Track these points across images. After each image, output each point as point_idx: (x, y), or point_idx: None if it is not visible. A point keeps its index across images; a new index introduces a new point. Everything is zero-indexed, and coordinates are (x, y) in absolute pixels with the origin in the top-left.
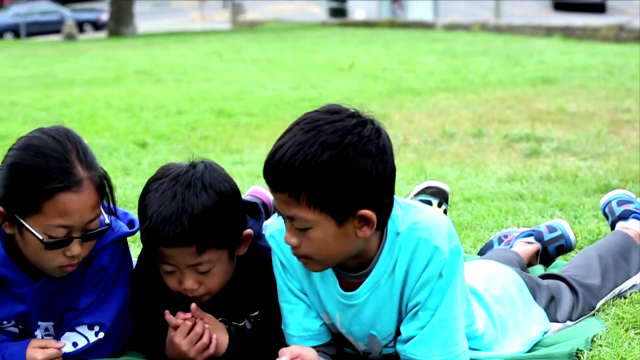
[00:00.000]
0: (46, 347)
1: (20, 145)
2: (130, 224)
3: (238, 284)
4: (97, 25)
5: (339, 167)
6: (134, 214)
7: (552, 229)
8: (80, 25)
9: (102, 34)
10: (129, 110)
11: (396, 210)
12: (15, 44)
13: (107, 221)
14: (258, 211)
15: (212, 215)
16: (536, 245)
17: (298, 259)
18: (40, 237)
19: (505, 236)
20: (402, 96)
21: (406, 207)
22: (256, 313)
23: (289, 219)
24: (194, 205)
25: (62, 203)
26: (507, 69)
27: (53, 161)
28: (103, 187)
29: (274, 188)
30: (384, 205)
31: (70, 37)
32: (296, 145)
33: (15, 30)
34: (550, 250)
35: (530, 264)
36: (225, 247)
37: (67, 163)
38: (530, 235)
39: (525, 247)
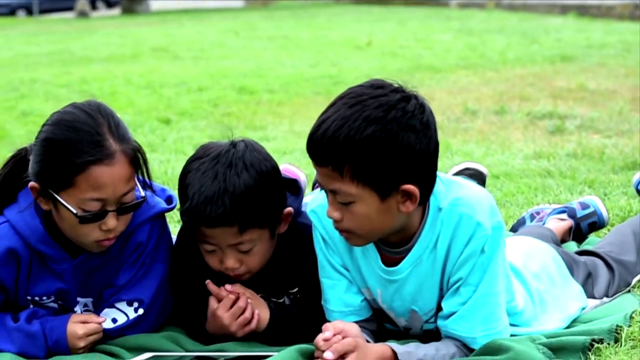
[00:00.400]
0: (87, 322)
1: (53, 121)
2: (168, 200)
3: (278, 261)
4: (109, 3)
5: (383, 141)
6: (172, 190)
7: (584, 206)
8: (93, 2)
9: (115, 11)
10: (149, 87)
11: (438, 186)
12: (28, 21)
13: (142, 194)
14: (298, 188)
15: (254, 194)
16: (569, 222)
17: (340, 233)
18: (75, 212)
19: (538, 213)
20: (422, 74)
21: (448, 182)
22: (295, 290)
23: (331, 193)
24: (236, 185)
25: (94, 176)
26: (524, 46)
27: (85, 135)
28: (136, 160)
29: (317, 162)
30: (427, 180)
31: (83, 14)
32: (340, 119)
33: (27, 7)
34: (583, 226)
35: (563, 240)
36: (266, 226)
37: (99, 136)
38: (563, 212)
39: (558, 224)
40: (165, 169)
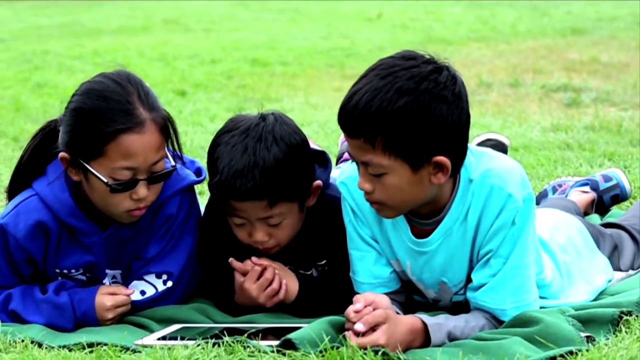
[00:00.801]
0: (115, 294)
1: (83, 90)
2: (198, 172)
3: (306, 233)
4: None
5: (415, 113)
6: (201, 162)
7: (607, 178)
8: None
9: None
10: (162, 59)
11: (469, 157)
12: None
13: (173, 164)
14: (326, 160)
15: (284, 168)
16: (592, 195)
17: (371, 205)
18: (106, 181)
19: (560, 185)
20: (435, 46)
21: (479, 154)
22: (323, 262)
23: (363, 165)
24: (266, 158)
25: (125, 145)
26: (535, 19)
27: (114, 103)
28: (166, 129)
29: (349, 134)
30: (458, 152)
31: None
32: (372, 91)
33: None
34: (606, 199)
35: (585, 213)
36: (295, 200)
37: (129, 105)
38: (586, 184)
39: (581, 196)
40: (184, 141)
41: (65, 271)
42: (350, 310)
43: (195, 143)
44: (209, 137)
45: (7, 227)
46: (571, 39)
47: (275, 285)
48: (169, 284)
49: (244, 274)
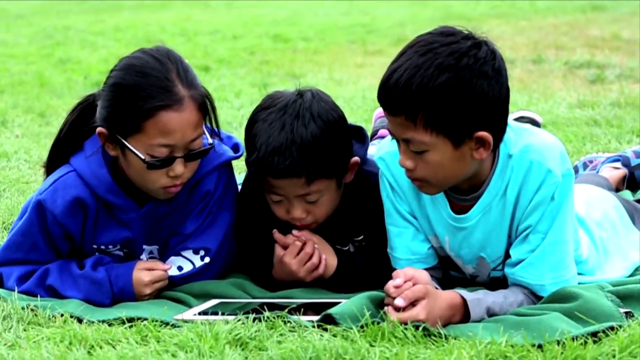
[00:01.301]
0: (152, 269)
1: (122, 66)
2: (235, 148)
3: (344, 209)
4: None
5: (456, 89)
6: (238, 138)
7: (638, 154)
8: None
9: None
10: (184, 34)
11: (508, 132)
12: None
13: (210, 141)
14: (363, 135)
15: (321, 145)
16: (623, 171)
17: (413, 182)
18: (143, 157)
19: (591, 161)
20: (455, 23)
21: (518, 129)
22: (360, 237)
23: (404, 142)
24: (303, 135)
25: (163, 121)
26: None
27: (153, 80)
28: (205, 107)
29: (389, 111)
30: (499, 127)
31: None
32: (412, 68)
33: None
34: (637, 175)
35: (617, 189)
36: (333, 177)
37: (168, 82)
38: (617, 160)
39: (612, 172)
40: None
41: (102, 247)
42: (390, 285)
43: (222, 118)
44: (236, 113)
45: (45, 203)
46: (591, 16)
47: (315, 259)
48: (207, 260)
49: (285, 247)
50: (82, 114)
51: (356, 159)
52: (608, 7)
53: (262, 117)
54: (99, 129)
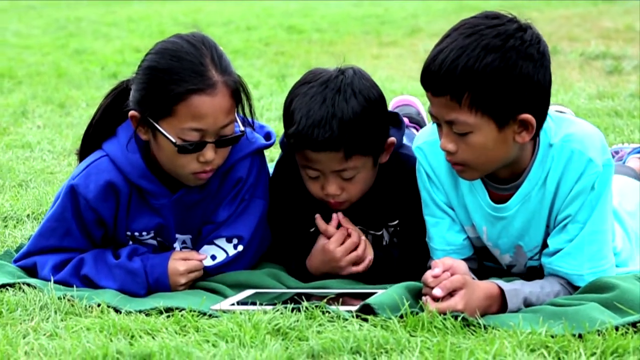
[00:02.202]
0: (188, 259)
1: (157, 50)
2: (267, 136)
3: (378, 191)
4: None
5: (502, 70)
6: (270, 127)
7: None
8: None
9: None
10: (196, 26)
11: (548, 122)
12: None
13: (242, 129)
14: (399, 121)
15: (361, 121)
16: None
17: (453, 166)
18: (174, 141)
19: (617, 152)
20: (468, 14)
21: (558, 119)
22: (395, 222)
23: (447, 124)
24: (344, 110)
25: (195, 105)
26: None
27: (187, 64)
28: (238, 93)
29: (433, 92)
30: (542, 111)
31: None
32: (458, 49)
33: None
34: None
35: None
36: (370, 154)
37: (202, 67)
38: None
39: (639, 163)
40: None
41: (136, 234)
42: (428, 275)
43: None
44: (256, 104)
45: (78, 188)
46: (603, 7)
47: (360, 251)
48: (240, 248)
49: (328, 236)
50: (116, 99)
51: (392, 139)
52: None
53: (303, 91)
54: (131, 112)
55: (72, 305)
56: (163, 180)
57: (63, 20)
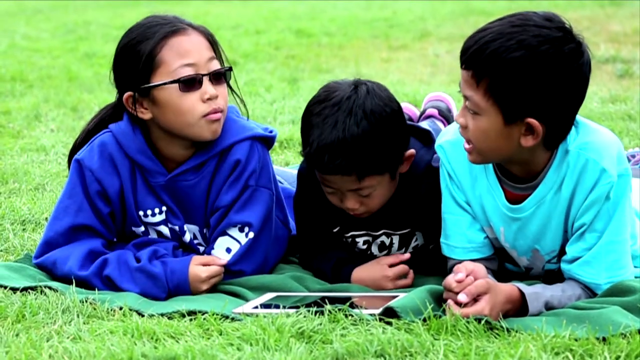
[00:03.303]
0: (208, 264)
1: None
2: (269, 132)
3: (404, 199)
4: None
5: (525, 69)
6: (272, 127)
7: None
8: None
9: None
10: None
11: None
12: None
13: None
14: (430, 140)
15: (372, 143)
16: None
17: (464, 144)
18: (172, 80)
19: (633, 156)
20: (476, 17)
21: (579, 125)
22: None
23: (465, 98)
24: (355, 134)
25: (175, 44)
26: None
27: (152, 25)
28: (210, 37)
29: (464, 64)
30: (556, 124)
31: None
32: (498, 33)
33: None
34: None
35: None
36: (385, 172)
37: (166, 21)
38: None
39: None
40: (243, 112)
41: (148, 212)
42: (451, 280)
43: (256, 113)
44: (269, 107)
45: (83, 161)
46: (610, 10)
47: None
48: (251, 235)
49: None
50: (99, 125)
51: (412, 151)
52: (626, 1)
53: (317, 111)
54: (125, 96)
55: (94, 309)
56: (161, 162)
57: (71, 23)
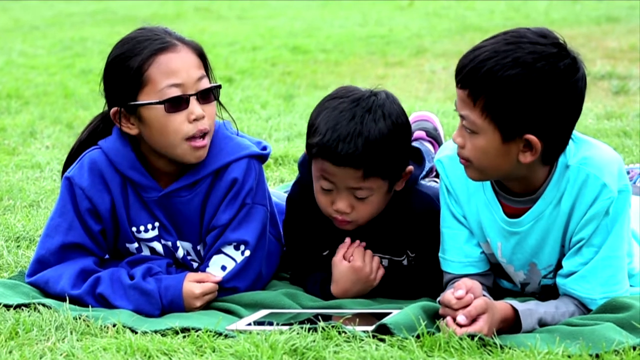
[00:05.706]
0: (203, 281)
1: (111, 50)
2: (263, 149)
3: (392, 221)
4: None
5: (521, 86)
6: (266, 142)
7: None
8: None
9: None
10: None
11: (569, 143)
12: None
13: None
14: (421, 158)
15: (386, 143)
16: None
17: (460, 161)
18: (158, 100)
19: (628, 172)
20: (472, 34)
21: (580, 141)
22: (413, 255)
23: (461, 118)
24: (371, 130)
25: (164, 63)
26: (567, 7)
27: (142, 39)
28: (201, 52)
29: (460, 82)
30: (554, 140)
31: None
32: (493, 51)
33: None
34: None
35: None
36: (388, 178)
37: (157, 36)
38: None
39: None
40: (241, 127)
41: (141, 227)
42: (450, 296)
43: (251, 130)
44: (264, 124)
45: (74, 178)
46: (606, 27)
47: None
48: (247, 253)
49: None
50: (92, 135)
51: (411, 168)
52: (622, 18)
53: (333, 105)
54: (112, 111)
55: (88, 326)
56: (154, 176)
57: (68, 40)
